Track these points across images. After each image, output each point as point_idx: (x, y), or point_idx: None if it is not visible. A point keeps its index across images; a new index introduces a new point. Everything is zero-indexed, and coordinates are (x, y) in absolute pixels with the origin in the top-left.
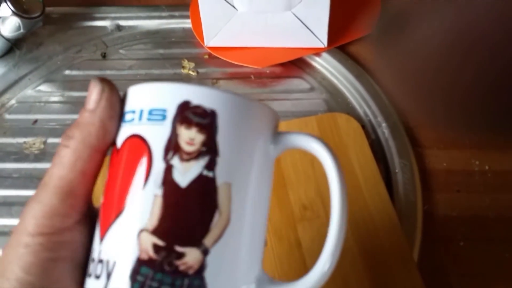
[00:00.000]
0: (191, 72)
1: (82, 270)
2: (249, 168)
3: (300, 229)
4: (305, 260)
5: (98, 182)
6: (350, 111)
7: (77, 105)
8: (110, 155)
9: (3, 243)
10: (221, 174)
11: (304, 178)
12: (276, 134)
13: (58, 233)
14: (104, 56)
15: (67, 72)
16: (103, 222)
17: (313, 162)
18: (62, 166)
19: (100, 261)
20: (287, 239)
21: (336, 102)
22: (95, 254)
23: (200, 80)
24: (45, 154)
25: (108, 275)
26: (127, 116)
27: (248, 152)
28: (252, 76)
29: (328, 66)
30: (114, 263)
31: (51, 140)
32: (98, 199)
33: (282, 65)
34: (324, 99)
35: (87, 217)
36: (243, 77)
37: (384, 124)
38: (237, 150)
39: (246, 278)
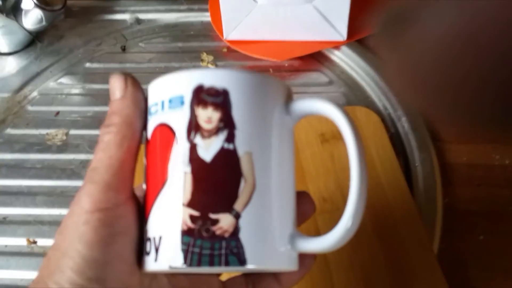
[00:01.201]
0: (210, 65)
1: (136, 245)
2: (267, 137)
3: (320, 221)
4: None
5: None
6: (369, 104)
7: (98, 97)
8: (144, 149)
9: (28, 231)
10: (241, 145)
11: (323, 170)
12: (289, 104)
13: (113, 208)
14: (123, 49)
15: (87, 65)
16: (147, 206)
17: (333, 154)
18: (109, 148)
19: (148, 239)
20: (307, 231)
21: (355, 96)
22: (144, 235)
23: None
24: (67, 145)
25: (157, 249)
26: (152, 109)
27: (264, 122)
28: (270, 70)
29: (347, 60)
30: (160, 237)
31: (73, 131)
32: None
33: (301, 58)
34: (343, 92)
35: (133, 194)
36: (262, 71)
37: (404, 118)
38: (253, 121)
39: (280, 237)
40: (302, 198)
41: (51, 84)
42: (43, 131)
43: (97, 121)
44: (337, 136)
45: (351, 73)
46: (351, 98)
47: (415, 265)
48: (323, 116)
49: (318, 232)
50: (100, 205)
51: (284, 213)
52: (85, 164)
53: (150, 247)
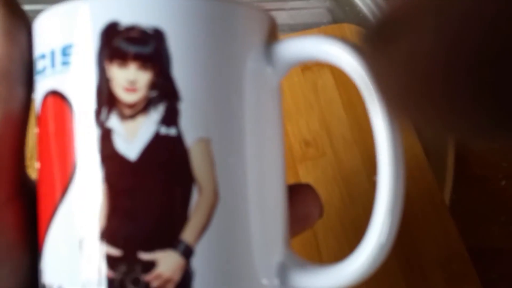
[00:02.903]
0: None
1: (27, 276)
2: (236, 109)
3: (301, 171)
4: None
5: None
6: (361, 21)
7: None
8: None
9: None
10: (190, 128)
11: (305, 106)
12: (272, 46)
13: None
14: None
15: None
16: (40, 226)
17: (316, 84)
18: None
19: (43, 286)
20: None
21: (344, 11)
22: (38, 276)
23: None
24: None
25: None
26: (39, 65)
27: (229, 84)
28: None
29: None
30: None
31: None
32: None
33: None
34: (328, 7)
35: (23, 189)
36: None
37: None
38: (210, 84)
39: (264, 271)
40: (300, 195)
41: None
42: None
43: None
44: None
45: None
46: (339, 15)
47: (422, 220)
48: (329, 64)
49: (299, 181)
50: None
51: (270, 230)
52: None
53: None
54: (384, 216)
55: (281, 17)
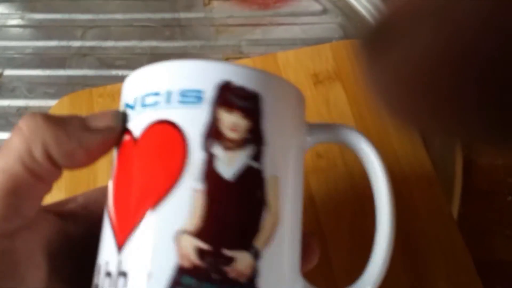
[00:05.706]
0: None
1: None
2: (292, 160)
3: (313, 182)
4: (319, 219)
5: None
6: None
7: (40, 29)
8: (119, 147)
9: None
10: (268, 166)
11: (317, 119)
12: (310, 125)
13: None
14: None
15: None
16: (121, 227)
17: (328, 98)
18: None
19: (123, 273)
20: None
21: (355, 27)
22: (111, 267)
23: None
24: (0, 89)
25: None
26: (148, 100)
27: (291, 142)
28: None
29: None
30: (150, 274)
31: (8, 72)
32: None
33: None
34: (339, 23)
35: (46, 214)
36: None
37: None
38: (282, 139)
39: (292, 285)
40: (306, 240)
41: None
42: None
43: (38, 59)
44: (333, 76)
45: None
46: (350, 30)
47: (430, 232)
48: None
49: (311, 194)
50: None
51: (297, 256)
52: (22, 112)
53: (124, 284)
54: (374, 272)
55: (294, 32)
